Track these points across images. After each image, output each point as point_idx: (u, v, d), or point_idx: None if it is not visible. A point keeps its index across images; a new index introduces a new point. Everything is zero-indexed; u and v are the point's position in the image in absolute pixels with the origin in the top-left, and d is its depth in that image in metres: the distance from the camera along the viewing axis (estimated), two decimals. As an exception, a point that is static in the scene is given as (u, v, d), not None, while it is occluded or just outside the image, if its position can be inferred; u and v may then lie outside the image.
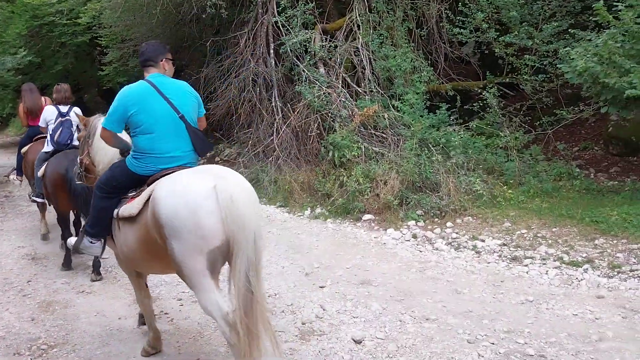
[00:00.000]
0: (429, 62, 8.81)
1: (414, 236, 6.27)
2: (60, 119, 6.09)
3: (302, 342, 3.85)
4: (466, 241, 5.88)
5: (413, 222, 6.61)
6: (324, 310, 4.36)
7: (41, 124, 6.27)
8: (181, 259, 2.83)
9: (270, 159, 8.70)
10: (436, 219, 6.60)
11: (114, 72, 14.09)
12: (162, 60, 3.47)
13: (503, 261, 5.30)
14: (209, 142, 3.77)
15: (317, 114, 8.16)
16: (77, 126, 5.91)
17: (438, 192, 6.81)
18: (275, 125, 8.95)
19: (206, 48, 10.06)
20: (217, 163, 12.85)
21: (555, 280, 4.72)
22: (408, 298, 4.54)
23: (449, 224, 6.40)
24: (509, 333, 3.77)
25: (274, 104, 9.17)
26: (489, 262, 5.30)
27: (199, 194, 2.80)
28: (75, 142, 5.85)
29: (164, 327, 4.15)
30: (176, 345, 3.89)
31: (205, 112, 3.69)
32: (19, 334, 4.20)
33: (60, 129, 6.03)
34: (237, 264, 2.77)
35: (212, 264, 2.86)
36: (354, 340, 3.79)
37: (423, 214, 6.75)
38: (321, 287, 4.91)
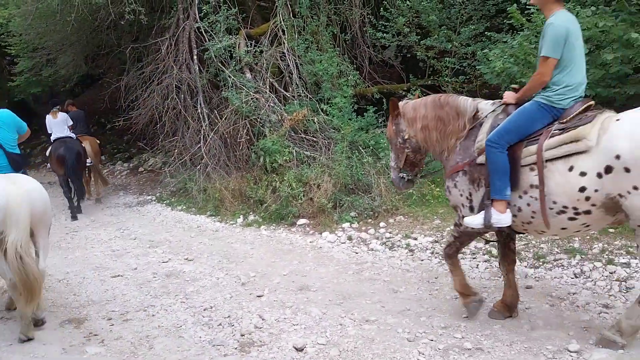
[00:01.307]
0: (355, 66, 8.93)
1: (349, 238, 6.31)
2: None
3: (242, 354, 3.74)
4: (399, 240, 5.99)
5: (348, 224, 6.65)
6: (262, 319, 4.27)
7: None
8: None
9: (199, 167, 8.47)
10: (370, 220, 6.68)
11: (25, 82, 13.26)
12: None
13: (435, 258, 5.43)
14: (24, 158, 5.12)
15: (245, 119, 8.04)
16: None
17: (370, 194, 6.90)
18: (202, 132, 8.73)
19: (125, 55, 9.66)
20: (140, 173, 12.45)
21: (486, 273, 4.90)
22: (347, 301, 4.53)
23: (382, 224, 6.50)
24: (446, 329, 3.85)
25: (199, 111, 8.95)
26: (422, 260, 5.42)
27: None
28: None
29: (93, 350, 3.91)
30: (108, 369, 3.67)
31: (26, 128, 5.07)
32: None
33: None
34: (7, 246, 3.87)
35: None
36: (296, 348, 3.73)
37: (357, 215, 6.81)
38: (259, 296, 4.81)
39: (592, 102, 3.42)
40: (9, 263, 3.88)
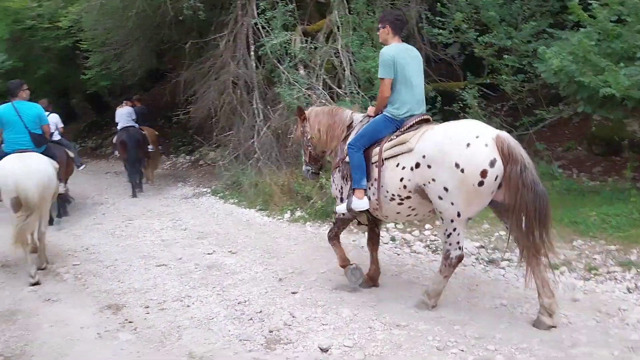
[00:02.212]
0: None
1: (393, 239, 6.17)
2: None
3: (267, 351, 3.73)
4: (444, 244, 5.77)
5: (392, 224, 6.50)
6: (293, 317, 4.24)
7: None
8: None
9: (251, 161, 8.56)
10: (415, 222, 6.49)
11: (96, 76, 13.92)
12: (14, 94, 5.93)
13: (480, 264, 5.21)
14: (43, 137, 6.12)
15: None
16: (56, 127, 8.68)
17: (417, 194, 6.70)
18: (256, 127, 8.82)
19: (185, 51, 9.92)
20: (200, 166, 12.79)
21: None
22: (380, 303, 4.42)
23: (427, 226, 6.31)
24: (480, 339, 3.66)
25: (254, 106, 9.05)
26: (465, 265, 5.19)
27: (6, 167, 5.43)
28: (55, 138, 8.38)
29: (125, 337, 4.02)
30: (136, 355, 3.75)
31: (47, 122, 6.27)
32: (-24, 346, 4.05)
33: None
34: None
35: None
36: (321, 349, 3.67)
37: (402, 216, 6.63)
38: (293, 293, 4.78)
39: (428, 117, 4.35)
40: (25, 211, 5.30)
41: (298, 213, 7.48)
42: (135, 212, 8.82)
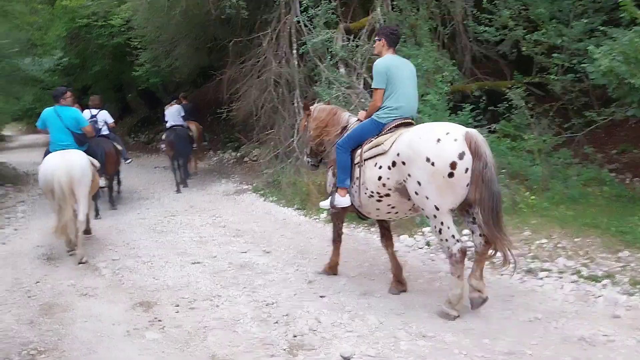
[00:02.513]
0: (455, 61, 8.45)
1: (428, 244, 6.01)
2: (91, 119, 8.74)
3: (288, 357, 3.69)
4: (481, 251, 5.57)
5: (428, 228, 6.33)
6: (319, 322, 4.18)
7: None
8: None
9: (290, 160, 8.57)
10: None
11: (146, 73, 14.32)
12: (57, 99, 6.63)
13: (518, 273, 4.97)
14: (84, 136, 6.78)
15: (335, 115, 7.95)
16: (105, 122, 9.20)
17: (456, 198, 6.50)
18: (296, 126, 8.82)
19: (229, 49, 10.03)
20: (245, 163, 12.92)
21: (570, 296, 4.39)
22: (409, 311, 4.31)
23: (465, 231, 6.08)
24: (509, 355, 3.50)
25: (295, 105, 9.05)
26: (502, 275, 5.00)
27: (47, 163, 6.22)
28: (104, 133, 9.13)
29: (151, 336, 4.08)
30: (160, 355, 3.80)
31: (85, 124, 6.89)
32: (14, 337, 4.21)
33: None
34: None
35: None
36: (342, 357, 3.60)
37: (440, 220, 6.46)
38: (321, 296, 4.73)
39: (409, 120, 4.56)
40: (60, 202, 6.02)
41: (335, 213, 7.41)
42: (178, 208, 9.01)
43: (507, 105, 7.48)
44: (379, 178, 4.30)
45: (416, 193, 4.00)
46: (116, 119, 23.75)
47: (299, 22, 9.05)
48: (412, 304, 4.45)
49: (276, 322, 4.24)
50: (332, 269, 5.25)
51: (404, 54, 7.98)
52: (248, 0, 9.92)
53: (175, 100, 11.55)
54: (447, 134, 3.90)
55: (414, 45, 8.23)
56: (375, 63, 4.62)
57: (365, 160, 4.45)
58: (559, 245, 5.32)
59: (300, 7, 9.10)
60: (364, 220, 5.91)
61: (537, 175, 6.70)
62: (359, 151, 4.55)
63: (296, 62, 9.19)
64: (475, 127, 7.27)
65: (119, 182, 10.17)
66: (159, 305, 4.74)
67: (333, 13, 8.90)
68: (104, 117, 9.29)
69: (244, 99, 9.58)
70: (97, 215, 8.38)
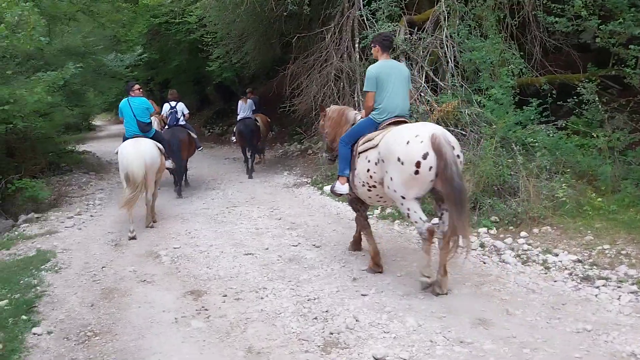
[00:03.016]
0: (524, 53, 8.05)
1: (482, 245, 5.80)
2: (170, 110, 10.13)
3: (322, 353, 3.73)
4: (537, 254, 5.31)
5: (485, 229, 6.13)
6: (357, 321, 4.18)
7: (163, 112, 10.20)
8: None
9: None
10: (511, 227, 6.06)
11: (218, 67, 14.78)
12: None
13: (573, 280, 4.71)
14: (149, 125, 7.83)
15: (393, 109, 7.84)
16: (182, 113, 10.22)
17: (516, 197, 6.24)
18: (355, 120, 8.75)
19: (293, 44, 10.14)
20: (309, 155, 13.05)
21: (627, 307, 4.10)
22: (450, 315, 4.19)
23: (523, 233, 5.84)
24: (548, 368, 3.33)
25: (356, 99, 9.01)
26: (555, 281, 4.74)
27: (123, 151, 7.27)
28: (181, 123, 10.16)
29: (196, 325, 4.25)
30: (201, 343, 3.95)
31: (152, 110, 8.11)
32: (76, 319, 4.55)
33: (170, 116, 10.11)
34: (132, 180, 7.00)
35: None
36: (375, 358, 3.58)
37: (498, 220, 6.23)
38: (363, 295, 4.71)
39: (401, 119, 5.02)
40: (131, 185, 7.00)
41: (388, 210, 7.34)
42: (240, 199, 9.28)
43: (578, 100, 7.04)
44: (368, 170, 4.89)
45: (388, 187, 4.62)
46: (194, 110, 24.93)
47: (361, 16, 8.97)
48: (455, 308, 4.33)
49: (315, 318, 4.28)
50: (374, 259, 5.32)
51: (468, 46, 7.79)
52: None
53: (249, 92, 12.38)
54: (416, 136, 4.39)
55: (480, 37, 7.93)
56: (367, 69, 5.17)
57: (359, 153, 5.02)
58: (622, 252, 4.98)
59: (363, 1, 9.01)
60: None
61: (607, 175, 6.27)
62: (355, 145, 5.15)
63: (357, 56, 9.13)
64: (541, 122, 6.99)
65: (185, 171, 10.75)
66: (208, 295, 4.92)
67: (396, 6, 8.74)
68: (181, 108, 10.29)
69: (306, 93, 9.66)
70: (179, 195, 9.80)
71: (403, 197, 4.53)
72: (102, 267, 5.89)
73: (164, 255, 6.22)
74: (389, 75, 5.02)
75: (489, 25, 7.91)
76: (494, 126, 6.88)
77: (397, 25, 8.69)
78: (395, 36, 8.57)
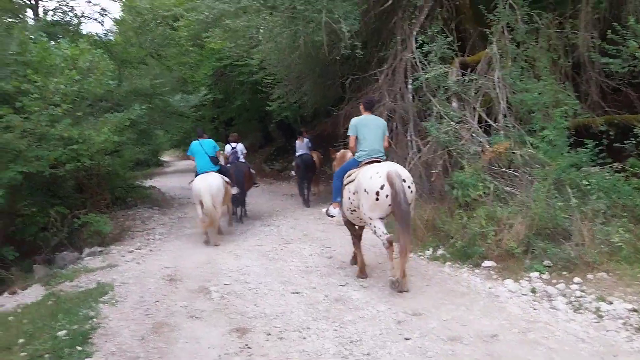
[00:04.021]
0: (579, 93, 7.91)
1: (533, 290, 5.64)
2: (232, 150, 11.82)
3: (359, 396, 3.75)
4: (590, 302, 5.12)
5: (537, 273, 5.96)
6: (396, 364, 4.18)
7: (225, 152, 11.83)
8: None
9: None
10: (564, 272, 5.86)
11: (278, 107, 15.31)
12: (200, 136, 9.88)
13: (627, 330, 4.51)
14: (217, 159, 9.71)
15: (444, 149, 7.88)
16: (242, 152, 11.88)
17: (570, 241, 6.05)
18: (407, 159, 8.84)
19: (353, 85, 10.42)
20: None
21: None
22: (493, 363, 4.12)
23: (576, 279, 5.64)
24: None
25: (409, 138, 9.08)
26: (607, 330, 4.55)
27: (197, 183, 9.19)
28: (241, 160, 11.76)
29: (239, 361, 4.38)
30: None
31: (218, 149, 9.99)
32: (126, 351, 4.80)
33: (232, 155, 11.76)
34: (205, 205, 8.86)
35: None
36: (411, 404, 3.57)
37: (551, 265, 6.05)
38: (406, 339, 4.70)
39: (376, 158, 6.33)
40: (205, 211, 8.85)
41: (440, 251, 7.28)
42: (292, 236, 9.47)
43: (637, 141, 6.81)
44: (349, 198, 6.35)
45: (362, 211, 6.06)
46: (257, 147, 25.68)
47: (414, 58, 9.14)
48: (499, 355, 4.26)
49: (355, 360, 4.31)
50: (360, 269, 6.72)
51: (520, 88, 7.75)
52: (367, 40, 10.30)
53: (304, 132, 13.61)
54: (377, 173, 5.88)
55: (533, 78, 7.88)
56: (351, 119, 6.63)
57: (344, 185, 6.49)
58: (682, 303, 4.71)
59: (415, 44, 9.19)
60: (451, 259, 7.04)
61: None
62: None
63: (410, 97, 9.24)
64: (598, 165, 6.79)
65: (244, 204, 11.89)
66: (253, 332, 5.06)
67: (449, 48, 8.85)
68: (241, 148, 12.01)
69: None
70: (240, 220, 11.39)
71: (370, 218, 5.98)
72: (156, 302, 6.16)
73: (214, 292, 6.43)
74: (366, 126, 6.44)
75: (542, 66, 7.85)
76: (547, 168, 6.75)
77: (449, 67, 8.77)
78: (446, 77, 8.68)
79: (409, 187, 5.85)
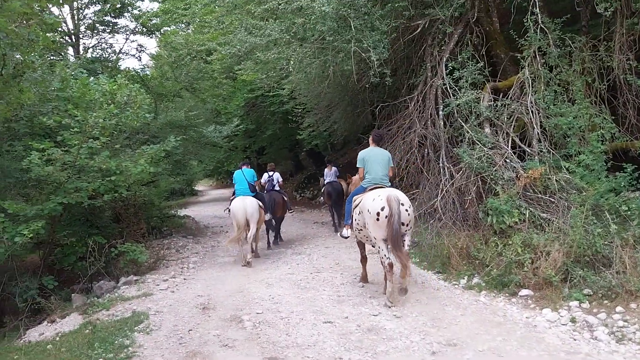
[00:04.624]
0: (617, 116, 7.74)
1: (573, 320, 5.45)
2: (268, 178, 12.46)
3: None
4: (634, 332, 4.92)
5: (576, 302, 5.76)
6: (431, 397, 4.07)
7: (262, 181, 12.49)
8: None
9: (432, 221, 8.49)
10: (605, 301, 5.65)
11: (309, 136, 15.47)
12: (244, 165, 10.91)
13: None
14: (254, 186, 10.57)
15: (477, 176, 7.78)
16: (277, 181, 12.52)
17: (610, 269, 5.84)
18: (440, 186, 8.76)
19: (376, 113, 10.47)
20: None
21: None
22: (531, 396, 3.96)
23: (619, 308, 5.42)
24: None
25: (441, 165, 9.01)
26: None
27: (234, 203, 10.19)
28: (276, 189, 12.40)
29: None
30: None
31: (256, 179, 10.92)
32: (158, 379, 4.81)
33: (268, 183, 12.38)
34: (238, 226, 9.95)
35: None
36: None
37: (591, 293, 5.84)
38: (440, 370, 4.58)
39: (380, 186, 7.00)
40: (238, 225, 9.85)
41: (475, 280, 7.12)
42: (324, 265, 9.41)
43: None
44: (356, 219, 7.10)
45: (366, 229, 6.76)
46: (289, 176, 25.92)
47: (444, 84, 9.14)
48: (538, 388, 4.09)
49: (388, 392, 4.22)
50: (363, 279, 7.87)
51: (554, 112, 7.65)
52: (397, 67, 10.36)
53: (331, 163, 13.90)
54: (379, 196, 6.60)
55: (567, 102, 7.77)
56: (359, 153, 7.38)
57: (353, 208, 7.24)
58: None
59: (446, 70, 9.19)
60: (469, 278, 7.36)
61: None
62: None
63: (442, 123, 9.21)
64: (637, 189, 6.59)
65: (279, 230, 12.72)
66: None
67: (479, 73, 8.82)
68: (277, 177, 12.67)
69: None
70: (268, 247, 11.89)
71: (375, 238, 6.62)
72: (189, 330, 6.19)
73: (246, 320, 6.42)
74: (372, 158, 7.21)
75: (576, 89, 7.74)
76: (585, 193, 6.58)
77: (480, 92, 8.72)
78: (478, 103, 8.64)
79: (407, 210, 6.52)
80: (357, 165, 7.34)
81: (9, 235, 7.54)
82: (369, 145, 7.52)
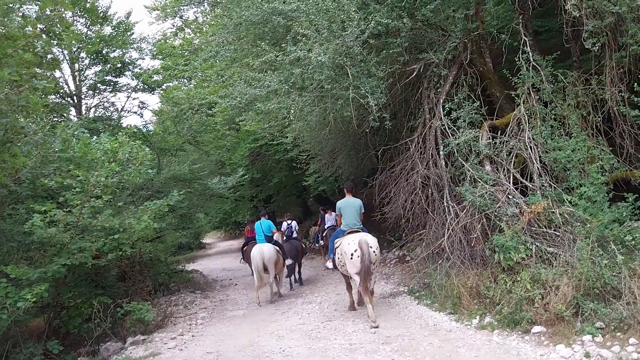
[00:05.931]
0: (614, 147, 7.82)
1: (587, 355, 5.37)
2: (287, 227, 14.04)
3: None
4: (650, 365, 4.82)
5: (589, 336, 5.67)
6: None
7: (282, 229, 14.03)
8: None
9: (440, 261, 8.46)
10: (618, 334, 5.57)
11: (315, 181, 15.60)
12: (262, 216, 12.31)
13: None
14: (271, 237, 11.84)
15: (481, 213, 7.80)
16: (295, 229, 14.18)
17: (621, 300, 5.78)
18: (446, 225, 8.76)
19: (384, 155, 10.60)
20: (406, 262, 12.94)
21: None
22: None
23: (632, 340, 5.34)
24: None
25: (445, 204, 9.05)
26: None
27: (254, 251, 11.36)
28: (294, 236, 14.02)
29: None
30: None
31: (274, 228, 12.38)
32: None
33: (287, 230, 13.91)
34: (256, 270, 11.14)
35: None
36: None
37: (604, 326, 5.76)
38: (455, 415, 4.49)
39: (355, 230, 8.69)
40: (258, 272, 10.96)
41: (487, 319, 7.04)
42: (335, 313, 9.32)
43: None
44: (338, 258, 8.73)
45: (345, 267, 8.42)
46: (298, 223, 26.01)
47: (443, 125, 9.29)
48: None
49: None
50: (351, 305, 9.27)
51: (552, 147, 7.73)
52: (396, 110, 10.56)
53: (329, 209, 15.00)
54: (352, 240, 8.23)
55: (564, 135, 7.87)
56: (338, 203, 9.14)
57: (335, 248, 8.85)
58: None
59: (443, 111, 9.36)
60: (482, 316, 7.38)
61: None
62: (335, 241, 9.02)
63: (443, 163, 9.30)
64: (638, 219, 6.59)
65: (300, 272, 13.92)
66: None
67: (476, 113, 8.98)
68: (294, 225, 14.19)
69: (394, 201, 9.90)
70: (291, 288, 12.99)
71: (348, 272, 8.36)
72: (199, 387, 6.10)
73: (258, 375, 6.33)
74: (346, 206, 8.87)
75: (572, 123, 7.85)
76: (589, 225, 6.58)
77: (478, 130, 8.85)
78: (477, 141, 8.75)
79: (374, 251, 8.12)
80: (335, 213, 9.30)
81: (12, 301, 7.32)
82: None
